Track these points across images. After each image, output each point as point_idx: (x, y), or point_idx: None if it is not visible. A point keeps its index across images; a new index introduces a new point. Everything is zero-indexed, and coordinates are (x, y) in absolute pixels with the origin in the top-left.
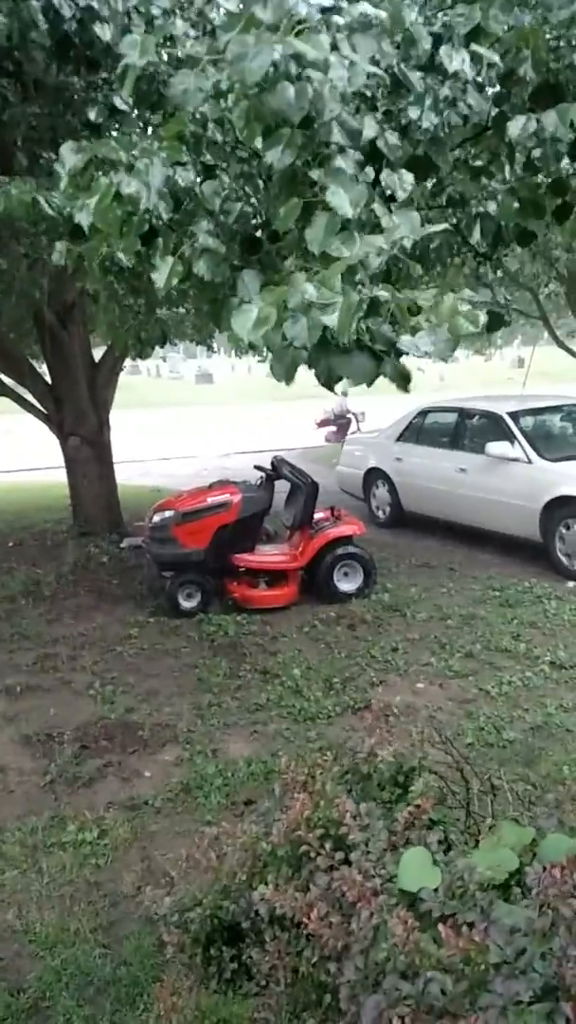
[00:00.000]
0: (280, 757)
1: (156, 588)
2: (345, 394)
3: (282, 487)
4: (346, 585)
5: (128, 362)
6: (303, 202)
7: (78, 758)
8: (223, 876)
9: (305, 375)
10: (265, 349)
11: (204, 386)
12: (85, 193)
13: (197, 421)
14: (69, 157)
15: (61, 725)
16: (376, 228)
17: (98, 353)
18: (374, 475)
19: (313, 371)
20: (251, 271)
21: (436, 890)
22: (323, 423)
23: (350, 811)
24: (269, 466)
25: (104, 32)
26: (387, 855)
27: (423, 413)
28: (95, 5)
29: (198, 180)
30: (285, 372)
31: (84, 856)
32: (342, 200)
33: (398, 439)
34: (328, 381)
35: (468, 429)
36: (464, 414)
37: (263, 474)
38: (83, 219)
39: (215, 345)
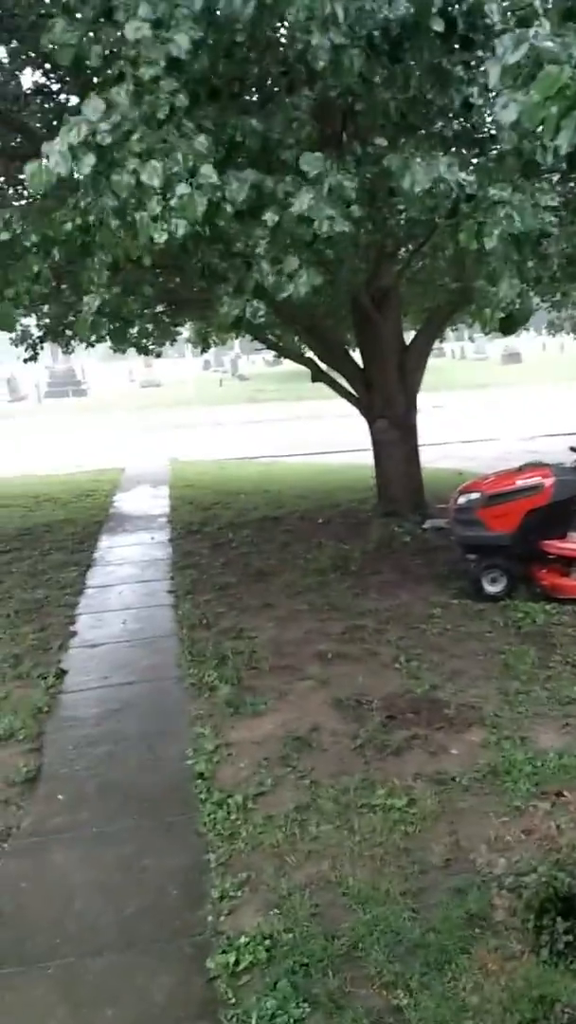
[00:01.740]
0: None
1: (460, 570)
2: None
3: None
4: None
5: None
6: None
7: (386, 727)
8: (562, 846)
9: None
10: None
11: (511, 366)
12: (520, 90)
13: (502, 402)
14: (507, 50)
15: (369, 693)
16: None
17: (408, 337)
18: None
19: None
20: None
21: None
22: None
23: None
24: None
25: (493, 11)
26: None
27: None
28: None
29: None
30: None
31: (393, 821)
32: None
33: None
34: None
35: None
36: None
37: None
38: (507, 116)
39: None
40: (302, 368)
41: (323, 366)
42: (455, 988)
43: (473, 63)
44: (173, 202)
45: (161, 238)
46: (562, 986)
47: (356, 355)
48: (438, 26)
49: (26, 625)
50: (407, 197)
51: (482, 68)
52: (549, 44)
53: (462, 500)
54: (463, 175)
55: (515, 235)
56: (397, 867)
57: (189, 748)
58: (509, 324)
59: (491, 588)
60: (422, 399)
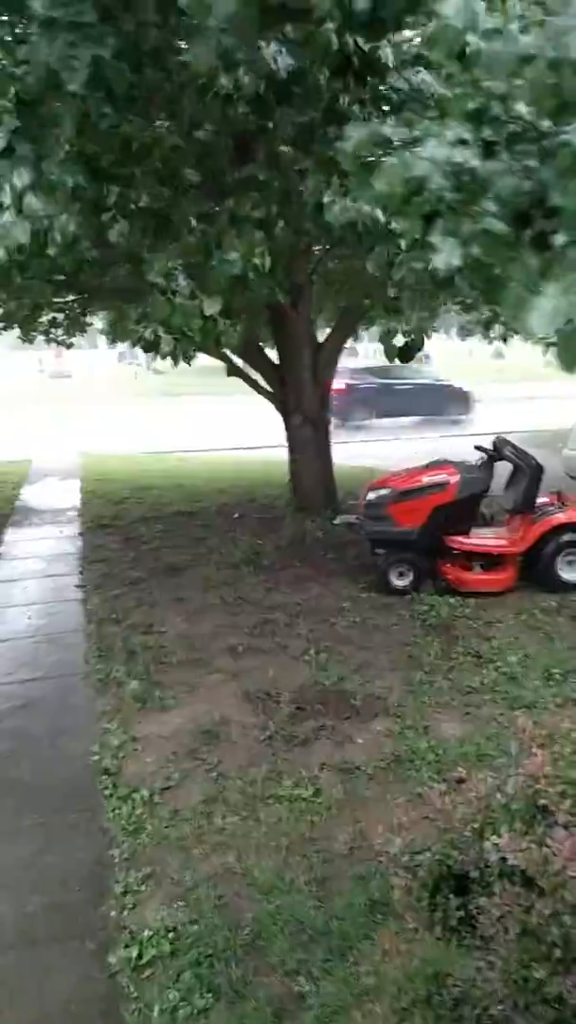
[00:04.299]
0: (492, 740)
1: (369, 565)
2: None
3: (503, 469)
4: (570, 574)
5: (349, 342)
6: None
7: (294, 718)
8: (454, 825)
9: None
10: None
11: (421, 366)
12: (369, 173)
13: None
14: (355, 135)
15: (279, 686)
16: None
17: (321, 335)
18: None
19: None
20: (530, 254)
21: None
22: None
23: None
24: (490, 447)
25: (387, 55)
26: None
27: None
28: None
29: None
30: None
31: (299, 811)
32: None
33: None
34: None
35: None
36: None
37: (483, 455)
38: (363, 199)
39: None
40: (218, 363)
41: (239, 361)
42: (356, 972)
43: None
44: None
45: None
46: (454, 961)
47: (271, 352)
48: (322, 75)
49: None
50: (324, 227)
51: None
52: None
53: (372, 496)
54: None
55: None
56: (302, 856)
57: (95, 744)
58: (406, 353)
59: (398, 582)
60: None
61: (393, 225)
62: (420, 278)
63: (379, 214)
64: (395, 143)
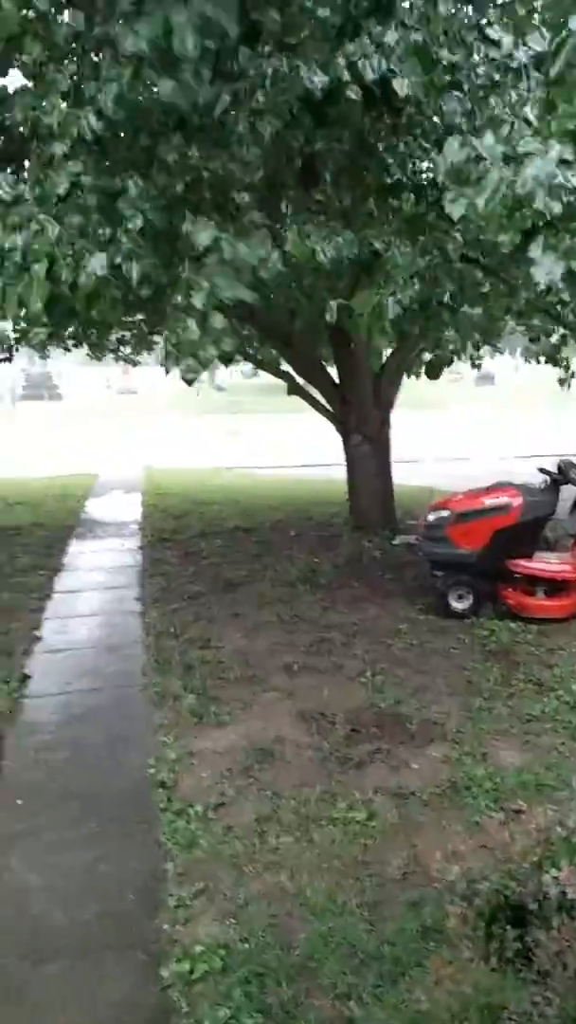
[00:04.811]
0: (552, 770)
1: (427, 587)
2: None
3: (568, 493)
4: None
5: None
6: None
7: (349, 740)
8: (512, 856)
9: None
10: None
11: (485, 387)
12: (468, 187)
13: (474, 423)
14: (452, 152)
15: (334, 707)
16: None
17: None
18: None
19: None
20: None
21: None
22: None
23: None
24: (555, 469)
25: (402, 88)
26: None
27: None
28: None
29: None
30: None
31: (353, 834)
32: None
33: None
34: None
35: None
36: None
37: (547, 478)
38: (456, 211)
39: (500, 346)
40: (279, 381)
41: (300, 380)
42: (408, 999)
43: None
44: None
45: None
46: (509, 993)
47: (332, 370)
48: (354, 94)
49: None
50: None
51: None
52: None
53: (432, 517)
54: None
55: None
56: (355, 879)
57: (151, 756)
58: (431, 370)
59: (457, 605)
60: (398, 416)
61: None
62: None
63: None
64: (487, 160)
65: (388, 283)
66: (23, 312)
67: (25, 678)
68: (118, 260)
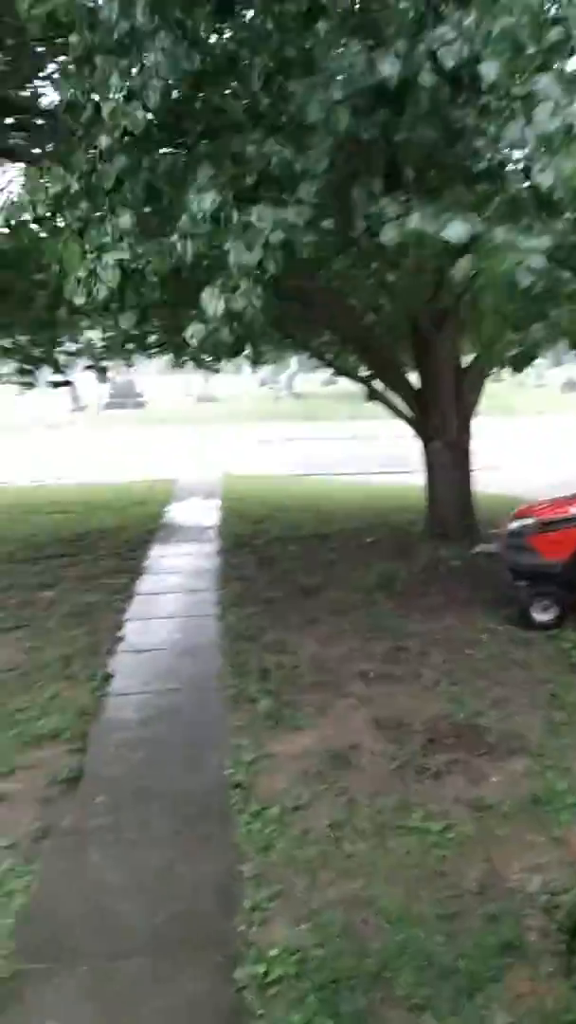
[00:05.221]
0: None
1: (508, 597)
2: None
3: None
4: None
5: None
6: None
7: (426, 750)
8: None
9: None
10: None
11: (571, 395)
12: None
13: (560, 430)
14: (542, 121)
15: (410, 716)
16: None
17: (464, 360)
18: None
19: None
20: None
21: None
22: None
23: None
24: None
25: (490, 72)
26: None
27: None
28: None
29: None
30: None
31: (429, 844)
32: None
33: None
34: None
35: None
36: None
37: None
38: (545, 180)
39: None
40: (357, 387)
41: (379, 386)
42: (484, 1015)
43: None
44: (98, 269)
45: (80, 300)
46: None
47: (413, 376)
48: (428, 82)
49: (77, 628)
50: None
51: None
52: None
53: (514, 525)
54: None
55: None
56: (431, 889)
57: (227, 758)
58: (518, 362)
59: (541, 616)
60: (480, 422)
61: None
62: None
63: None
64: None
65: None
66: (99, 295)
67: (108, 677)
68: (175, 238)
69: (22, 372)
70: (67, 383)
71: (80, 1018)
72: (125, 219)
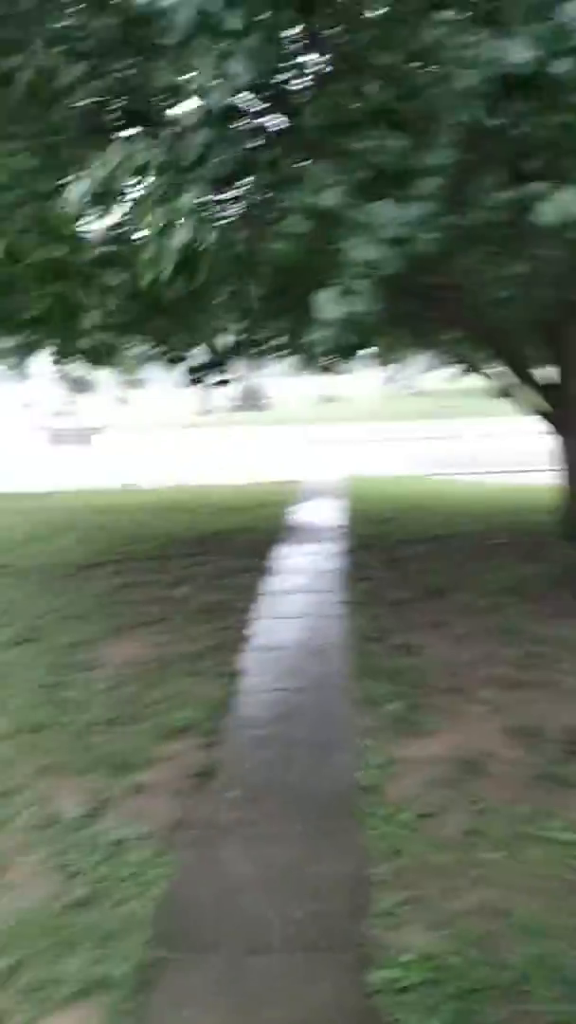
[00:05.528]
0: None
1: None
2: None
3: None
4: None
5: None
6: None
7: (565, 759)
8: None
9: None
10: None
11: None
12: None
13: None
14: None
15: (547, 723)
16: None
17: None
18: None
19: None
20: None
21: None
22: None
23: None
24: None
25: None
26: None
27: None
28: None
29: None
30: None
31: (569, 856)
32: None
33: None
34: None
35: None
36: None
37: None
38: None
39: None
40: (484, 383)
41: (511, 381)
42: None
43: None
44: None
45: (146, 281)
46: None
47: (546, 371)
48: (562, 68)
49: (205, 625)
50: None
51: None
52: None
53: None
54: None
55: None
56: (571, 903)
57: (356, 760)
58: None
59: None
60: None
61: None
62: None
63: None
64: None
65: None
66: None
67: (236, 674)
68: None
69: (171, 361)
70: (224, 382)
71: (215, 1011)
72: (187, 198)
